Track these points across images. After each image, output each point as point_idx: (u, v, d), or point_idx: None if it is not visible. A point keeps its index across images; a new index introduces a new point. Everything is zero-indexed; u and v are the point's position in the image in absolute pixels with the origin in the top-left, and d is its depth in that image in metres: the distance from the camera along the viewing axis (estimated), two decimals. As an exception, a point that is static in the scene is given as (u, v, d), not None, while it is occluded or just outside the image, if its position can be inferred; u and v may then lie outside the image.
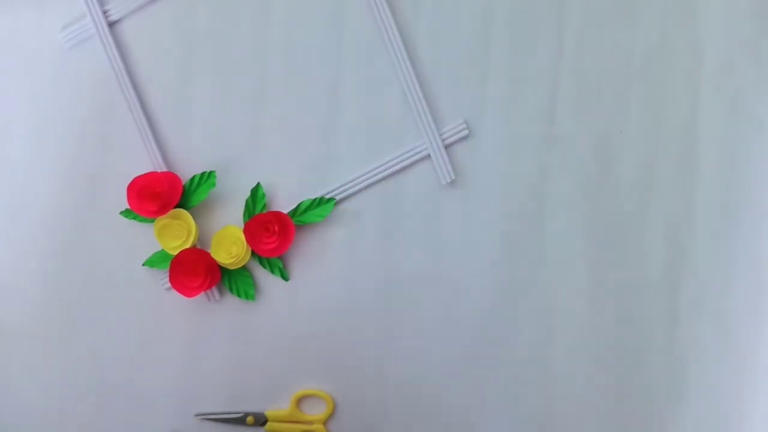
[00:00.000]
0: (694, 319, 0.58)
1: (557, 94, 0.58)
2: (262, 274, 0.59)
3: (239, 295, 0.58)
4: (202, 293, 0.57)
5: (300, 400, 0.59)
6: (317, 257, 0.58)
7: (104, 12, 0.58)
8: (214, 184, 0.58)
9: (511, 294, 0.58)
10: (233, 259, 0.57)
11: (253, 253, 0.58)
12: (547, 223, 0.58)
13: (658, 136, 0.58)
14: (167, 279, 0.57)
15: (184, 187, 0.58)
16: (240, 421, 0.58)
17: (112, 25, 0.58)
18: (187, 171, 0.58)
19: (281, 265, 0.58)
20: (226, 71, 0.59)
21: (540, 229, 0.58)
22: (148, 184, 0.56)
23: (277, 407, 0.59)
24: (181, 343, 0.59)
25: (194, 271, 0.56)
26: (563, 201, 0.58)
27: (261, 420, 0.58)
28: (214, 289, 0.58)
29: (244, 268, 0.58)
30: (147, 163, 0.58)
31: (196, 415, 0.59)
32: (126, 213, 0.58)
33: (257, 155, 0.58)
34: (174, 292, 0.57)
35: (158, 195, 0.56)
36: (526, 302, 0.58)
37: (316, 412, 0.59)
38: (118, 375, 0.59)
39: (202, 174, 0.58)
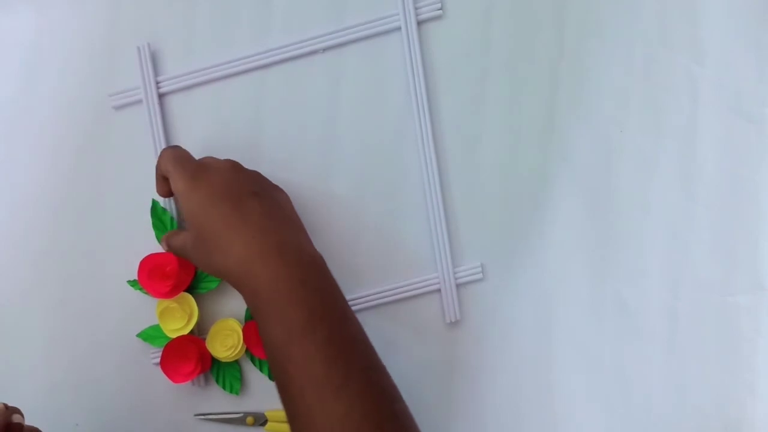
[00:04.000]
0: (694, 319, 0.58)
1: (557, 94, 0.58)
2: (249, 369, 0.58)
3: (224, 388, 0.58)
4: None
5: (300, 400, 0.59)
6: None
7: (157, 83, 0.58)
8: None
9: (511, 294, 0.58)
10: (228, 353, 0.56)
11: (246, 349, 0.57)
12: (546, 223, 0.58)
13: (658, 136, 0.58)
14: (158, 354, 0.57)
15: (196, 272, 0.57)
16: (240, 421, 0.58)
17: (161, 96, 0.58)
18: None
19: None
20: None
21: (540, 229, 0.58)
22: (161, 264, 0.56)
23: (277, 407, 0.59)
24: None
25: (186, 358, 0.56)
26: (563, 201, 0.58)
27: (261, 420, 0.58)
28: (201, 376, 0.58)
29: (235, 362, 0.58)
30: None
31: (196, 415, 0.58)
32: (133, 283, 0.57)
33: None
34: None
35: (169, 277, 0.55)
36: (526, 302, 0.58)
37: (316, 412, 0.59)
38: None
39: None
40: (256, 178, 0.54)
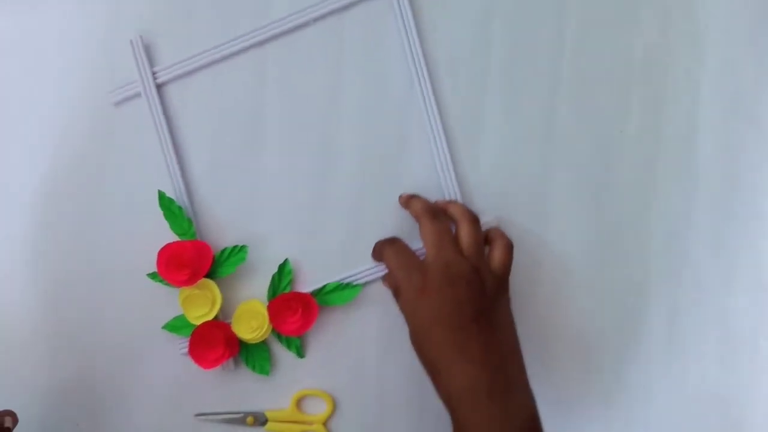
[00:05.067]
0: (694, 319, 0.58)
1: (557, 94, 0.58)
2: (277, 348, 0.59)
3: (254, 369, 0.58)
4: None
5: (300, 400, 0.59)
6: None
7: (153, 73, 0.58)
8: (244, 259, 0.57)
9: (511, 294, 0.58)
10: (254, 335, 0.56)
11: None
12: (547, 223, 0.58)
13: (658, 136, 0.58)
14: (185, 344, 0.57)
15: (214, 257, 0.57)
16: (240, 421, 0.58)
17: (159, 87, 0.58)
18: (218, 240, 0.58)
19: (298, 343, 0.58)
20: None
21: (540, 229, 0.58)
22: (178, 252, 0.55)
23: (277, 407, 0.59)
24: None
25: (214, 343, 0.56)
26: (563, 201, 0.58)
27: (261, 420, 0.58)
28: (230, 360, 0.58)
29: (263, 342, 0.58)
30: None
31: (196, 415, 0.59)
32: (152, 276, 0.57)
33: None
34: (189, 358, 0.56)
35: (187, 264, 0.55)
36: (526, 302, 0.58)
37: (316, 412, 0.59)
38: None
39: (234, 247, 0.57)
40: (475, 286, 0.51)
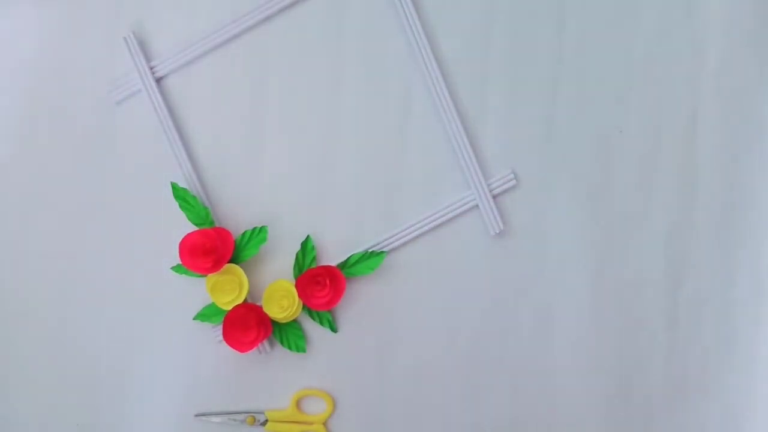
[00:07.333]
0: (694, 319, 0.58)
1: (557, 94, 0.58)
2: (309, 325, 0.59)
3: (290, 348, 0.58)
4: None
5: (300, 400, 0.59)
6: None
7: (151, 68, 0.58)
8: (265, 239, 0.57)
9: (511, 294, 0.58)
10: (285, 313, 0.57)
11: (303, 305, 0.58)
12: (546, 222, 0.58)
13: (658, 136, 0.58)
14: (219, 332, 0.57)
15: (235, 242, 0.57)
16: (240, 421, 0.58)
17: (159, 80, 0.58)
18: (234, 226, 0.58)
19: (330, 317, 0.58)
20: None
21: (540, 228, 0.58)
22: (200, 241, 0.56)
23: (277, 407, 0.59)
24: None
25: (247, 326, 0.56)
26: (563, 201, 0.58)
27: (261, 420, 0.58)
28: (265, 342, 0.58)
29: (295, 321, 0.58)
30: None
31: (197, 415, 0.59)
32: (177, 268, 0.57)
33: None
34: (225, 345, 0.57)
35: (211, 251, 0.56)
36: (526, 302, 0.58)
37: (316, 412, 0.59)
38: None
39: (254, 229, 0.57)
40: None
